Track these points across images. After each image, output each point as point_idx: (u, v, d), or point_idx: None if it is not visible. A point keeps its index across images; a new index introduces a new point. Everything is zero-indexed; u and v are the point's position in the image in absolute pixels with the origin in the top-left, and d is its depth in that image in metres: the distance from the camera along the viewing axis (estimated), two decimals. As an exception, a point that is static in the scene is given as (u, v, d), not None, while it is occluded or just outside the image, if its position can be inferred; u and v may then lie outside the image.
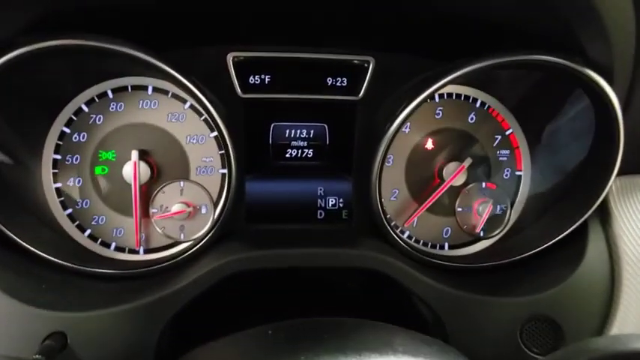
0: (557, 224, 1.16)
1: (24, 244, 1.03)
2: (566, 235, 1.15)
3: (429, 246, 1.32)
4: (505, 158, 1.32)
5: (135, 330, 0.99)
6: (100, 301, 1.01)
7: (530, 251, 1.17)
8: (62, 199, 1.18)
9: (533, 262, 1.17)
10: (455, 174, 1.24)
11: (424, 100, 1.08)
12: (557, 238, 1.14)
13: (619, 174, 1.15)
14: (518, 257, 1.17)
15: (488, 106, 1.31)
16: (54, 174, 1.17)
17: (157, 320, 1.00)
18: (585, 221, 1.15)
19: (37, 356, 0.85)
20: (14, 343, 0.92)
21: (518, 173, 1.33)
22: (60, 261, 1.06)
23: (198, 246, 1.13)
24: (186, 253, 1.13)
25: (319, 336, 0.68)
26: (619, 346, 0.69)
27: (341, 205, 1.31)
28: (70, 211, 1.19)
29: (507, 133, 1.32)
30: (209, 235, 1.13)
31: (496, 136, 1.32)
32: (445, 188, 1.25)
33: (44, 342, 0.91)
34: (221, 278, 1.05)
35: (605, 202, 1.15)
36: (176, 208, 1.17)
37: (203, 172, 1.22)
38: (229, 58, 1.19)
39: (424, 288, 1.11)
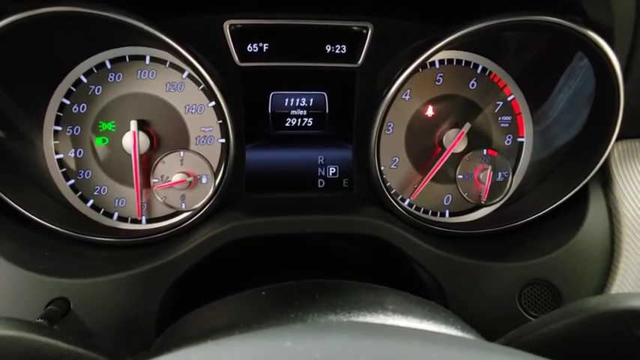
0: (557, 189, 1.16)
1: (27, 213, 1.04)
2: (567, 199, 1.15)
3: (430, 213, 1.32)
4: (507, 125, 1.31)
5: (136, 296, 1.01)
6: (102, 268, 1.02)
7: (531, 217, 1.16)
8: (64, 169, 1.19)
9: (534, 227, 1.17)
10: (455, 141, 1.23)
11: (421, 66, 1.08)
12: (558, 203, 1.14)
13: (621, 138, 1.14)
14: (519, 223, 1.17)
15: (490, 72, 1.30)
16: (55, 145, 1.18)
17: (158, 286, 1.02)
18: (586, 186, 1.14)
19: (39, 320, 0.87)
20: (18, 308, 0.94)
21: (520, 140, 1.32)
22: (63, 230, 1.07)
23: (198, 215, 1.14)
24: (187, 222, 1.14)
25: (311, 296, 0.68)
26: (613, 304, 0.69)
27: (341, 173, 1.31)
28: (72, 181, 1.20)
29: (509, 99, 1.30)
30: (209, 204, 1.13)
31: (497, 103, 1.30)
32: (447, 157, 1.25)
33: (47, 307, 0.93)
34: (221, 245, 1.06)
35: (607, 166, 1.14)
36: (177, 177, 1.18)
37: (203, 141, 1.22)
38: (226, 26, 1.18)
39: (423, 254, 1.11)
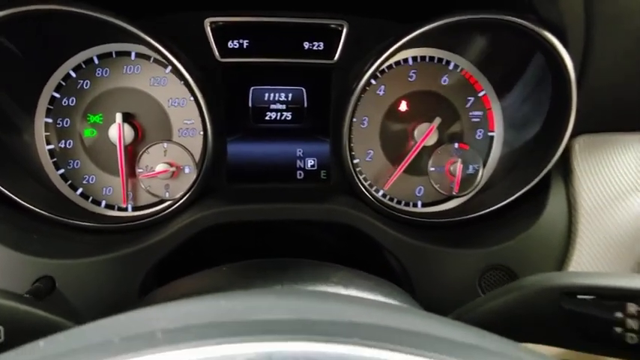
0: (520, 181, 1.21)
1: (18, 199, 1.11)
2: (530, 190, 1.20)
3: (403, 204, 1.38)
4: (478, 119, 1.37)
5: (119, 277, 1.08)
6: (87, 250, 1.09)
7: (495, 206, 1.22)
8: (55, 159, 1.26)
9: (498, 216, 1.23)
10: (425, 134, 1.29)
11: (395, 63, 1.14)
12: (518, 194, 1.19)
13: (582, 133, 1.19)
14: (484, 212, 1.23)
15: (461, 69, 1.35)
16: (46, 136, 1.25)
17: (139, 268, 1.09)
18: (548, 177, 1.20)
19: (26, 295, 0.94)
20: (5, 285, 1.01)
21: (490, 134, 1.38)
22: (52, 215, 1.14)
23: (180, 203, 1.20)
24: (170, 209, 1.20)
25: (263, 272, 0.75)
26: (546, 281, 0.75)
27: (320, 165, 1.37)
28: (62, 171, 1.27)
29: (480, 94, 1.36)
30: (190, 192, 1.20)
31: (469, 98, 1.36)
32: (418, 149, 1.31)
33: (33, 285, 1.00)
34: (199, 230, 1.12)
35: (568, 159, 1.20)
36: (160, 167, 1.25)
37: (185, 133, 1.29)
38: (207, 23, 1.24)
39: (392, 241, 1.17)
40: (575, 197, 1.17)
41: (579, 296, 0.73)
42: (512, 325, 0.77)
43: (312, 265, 0.81)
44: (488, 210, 1.22)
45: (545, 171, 1.16)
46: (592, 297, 0.72)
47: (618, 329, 0.70)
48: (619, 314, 0.70)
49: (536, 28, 1.04)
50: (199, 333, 0.41)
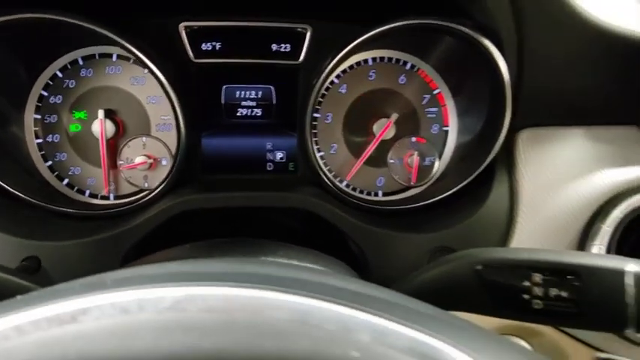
0: (466, 172, 1.32)
1: (8, 188, 1.22)
2: (477, 181, 1.31)
3: (365, 193, 1.49)
4: (433, 115, 1.49)
5: (99, 258, 1.19)
6: (70, 234, 1.20)
7: (444, 195, 1.33)
8: (43, 152, 1.38)
9: (447, 203, 1.34)
10: (384, 129, 1.41)
11: (342, 62, 1.26)
12: (463, 184, 1.30)
13: (526, 127, 1.30)
14: (434, 200, 1.34)
15: (418, 69, 1.47)
16: (35, 131, 1.37)
17: (117, 250, 1.20)
18: (493, 169, 1.31)
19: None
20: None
21: (445, 128, 1.49)
22: (41, 203, 1.26)
23: (156, 191, 1.31)
24: (147, 197, 1.32)
25: (219, 248, 0.86)
26: (470, 255, 0.87)
27: (288, 158, 1.49)
28: (50, 163, 1.38)
29: (435, 92, 1.48)
30: (164, 183, 1.31)
31: (424, 96, 1.47)
32: (377, 142, 1.42)
33: (20, 263, 1.11)
34: (173, 215, 1.24)
35: (512, 151, 1.31)
36: (139, 159, 1.36)
37: (162, 128, 1.40)
38: (181, 27, 1.36)
39: (351, 227, 1.29)
40: (516, 187, 1.28)
41: (494, 268, 0.84)
42: (440, 295, 0.89)
43: (267, 243, 0.92)
44: (437, 198, 1.34)
45: (485, 163, 1.27)
46: (505, 268, 0.84)
47: (526, 296, 0.81)
48: (527, 283, 0.81)
49: (472, 33, 1.15)
50: (141, 280, 0.52)
